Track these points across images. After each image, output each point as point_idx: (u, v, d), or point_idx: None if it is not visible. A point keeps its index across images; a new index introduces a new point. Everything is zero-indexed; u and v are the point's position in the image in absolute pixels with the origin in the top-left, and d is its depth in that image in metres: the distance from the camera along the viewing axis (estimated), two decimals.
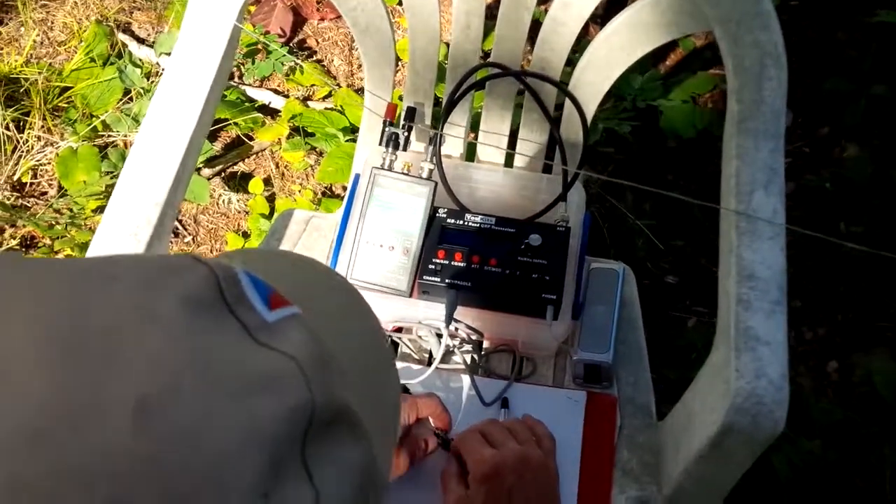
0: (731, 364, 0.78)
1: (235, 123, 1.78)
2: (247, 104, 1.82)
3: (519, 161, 1.11)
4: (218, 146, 1.84)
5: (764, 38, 0.88)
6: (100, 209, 1.64)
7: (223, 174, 1.81)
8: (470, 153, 1.14)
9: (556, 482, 0.87)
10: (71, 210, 1.67)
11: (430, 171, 0.99)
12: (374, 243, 0.98)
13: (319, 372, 0.32)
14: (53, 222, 1.67)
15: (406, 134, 0.99)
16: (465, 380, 0.98)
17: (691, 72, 1.85)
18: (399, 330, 1.03)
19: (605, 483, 0.91)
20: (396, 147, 1.00)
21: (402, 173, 0.98)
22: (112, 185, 1.00)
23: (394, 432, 0.45)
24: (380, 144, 1.00)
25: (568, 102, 1.03)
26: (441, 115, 1.03)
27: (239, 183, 1.80)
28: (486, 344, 1.03)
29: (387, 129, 0.99)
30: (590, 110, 1.03)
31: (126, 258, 0.33)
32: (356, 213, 0.99)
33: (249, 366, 0.30)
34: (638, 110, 1.76)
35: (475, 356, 1.01)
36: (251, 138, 1.82)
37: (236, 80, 1.92)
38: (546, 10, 0.99)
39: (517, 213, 1.02)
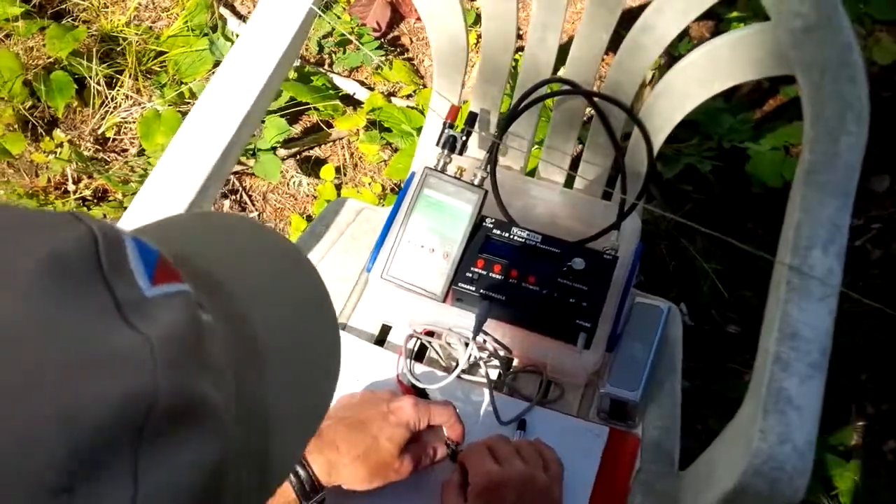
0: (756, 423, 0.73)
1: (316, 109, 1.80)
2: (331, 91, 1.83)
3: (579, 183, 1.08)
4: (297, 129, 1.86)
5: (848, 91, 0.83)
6: None
7: (298, 157, 1.83)
8: (532, 168, 1.11)
9: None
10: (145, 170, 1.71)
11: (483, 178, 0.97)
12: (415, 243, 0.96)
13: (178, 358, 0.28)
14: (127, 179, 1.71)
15: (464, 138, 0.98)
16: (487, 394, 0.96)
17: (787, 120, 1.78)
18: (430, 334, 1.01)
19: None
20: (453, 150, 0.98)
21: (454, 177, 0.96)
22: None
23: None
24: (436, 145, 0.98)
25: (636, 130, 1.00)
26: (502, 124, 1.01)
27: (312, 167, 1.82)
28: (515, 362, 1.00)
29: (446, 131, 0.98)
30: (658, 140, 0.99)
31: (4, 208, 0.30)
32: (403, 210, 0.98)
33: (98, 345, 0.27)
34: (723, 151, 1.70)
35: (502, 372, 0.99)
36: (330, 125, 1.84)
37: (326, 67, 1.94)
38: (624, 33, 0.97)
39: (568, 234, 1.00)
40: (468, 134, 0.98)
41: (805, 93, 0.85)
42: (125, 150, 1.81)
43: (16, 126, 1.76)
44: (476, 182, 0.97)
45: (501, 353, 0.98)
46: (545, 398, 0.98)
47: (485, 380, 0.97)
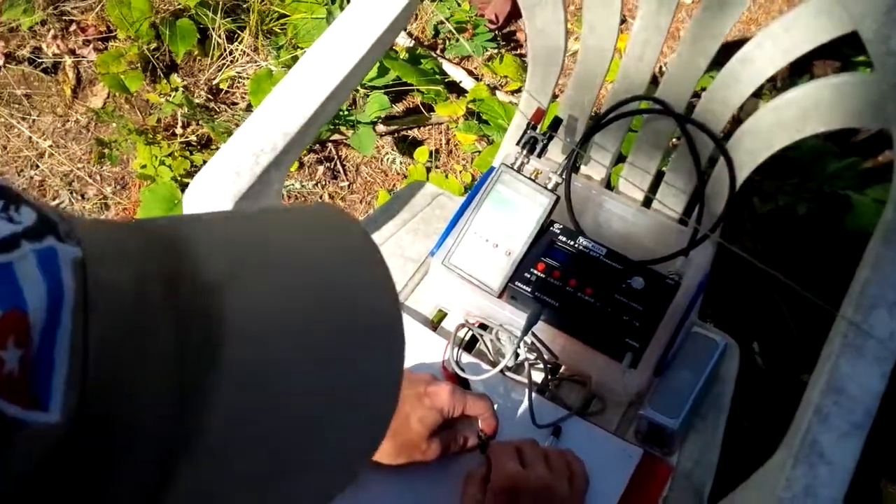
0: (784, 471, 0.72)
1: (420, 91, 1.83)
2: (437, 77, 1.86)
3: (656, 204, 1.08)
4: (400, 108, 1.89)
5: None
6: None
7: (396, 135, 1.87)
8: (613, 182, 1.11)
9: None
10: None
11: (557, 184, 0.98)
12: (480, 235, 0.98)
13: None
14: (231, 131, 1.78)
15: (545, 141, 0.98)
16: (524, 394, 0.97)
17: None
18: (483, 327, 1.02)
19: None
20: (532, 151, 0.99)
21: (529, 178, 0.97)
22: None
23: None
24: (517, 144, 0.99)
25: (721, 160, 0.98)
26: (584, 133, 1.01)
27: (407, 147, 1.85)
28: (561, 370, 1.01)
29: (528, 131, 0.99)
30: (742, 174, 0.98)
31: None
32: (475, 202, 0.99)
33: None
34: (824, 195, 1.65)
35: (547, 377, 0.99)
36: (432, 109, 1.86)
37: (437, 52, 1.96)
38: (722, 62, 0.95)
39: (636, 253, 0.99)
40: (550, 138, 0.99)
41: None
42: (235, 104, 1.88)
43: (137, 65, 1.85)
44: (549, 186, 0.97)
45: (547, 357, 0.99)
46: (585, 410, 0.98)
47: (527, 381, 0.98)
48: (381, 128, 1.85)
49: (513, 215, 0.97)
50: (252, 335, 0.32)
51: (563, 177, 0.99)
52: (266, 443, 0.32)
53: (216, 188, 0.85)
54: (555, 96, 1.12)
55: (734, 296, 1.56)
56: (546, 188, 0.97)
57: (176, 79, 1.85)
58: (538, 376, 0.99)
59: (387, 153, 1.84)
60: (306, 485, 0.33)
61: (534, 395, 0.97)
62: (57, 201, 1.77)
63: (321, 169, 1.83)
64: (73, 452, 0.28)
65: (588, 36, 0.99)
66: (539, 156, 1.00)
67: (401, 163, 1.83)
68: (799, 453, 0.72)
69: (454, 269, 0.98)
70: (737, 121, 0.99)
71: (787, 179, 1.68)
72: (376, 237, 1.10)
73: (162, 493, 0.30)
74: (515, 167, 0.99)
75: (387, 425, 0.35)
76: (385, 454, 0.86)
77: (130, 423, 0.29)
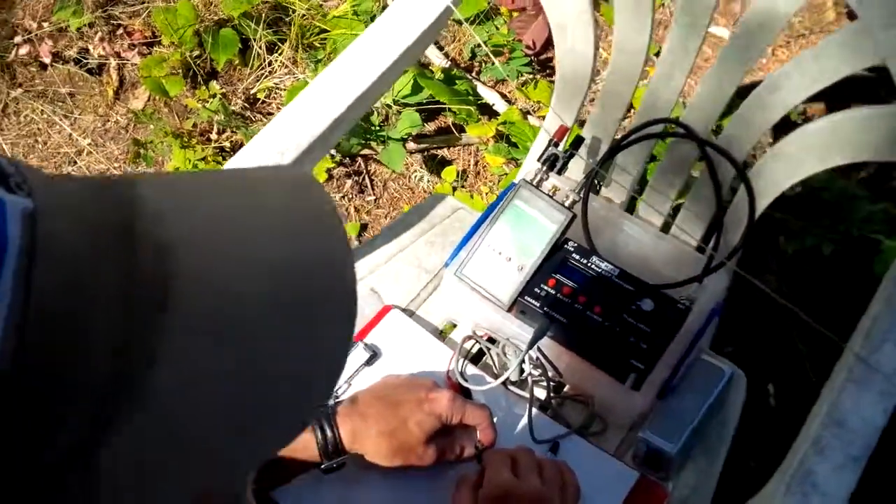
0: (775, 499, 0.71)
1: (452, 111, 1.84)
2: (471, 98, 1.87)
3: (676, 230, 1.07)
4: (431, 128, 1.91)
5: None
6: None
7: (425, 153, 1.88)
8: (632, 205, 1.11)
9: None
10: None
11: (574, 202, 0.98)
12: (494, 249, 0.98)
13: None
14: None
15: (565, 159, 0.99)
16: (519, 407, 0.96)
17: None
18: (492, 342, 1.02)
19: None
20: (551, 168, 0.99)
21: (547, 194, 0.98)
22: None
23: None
24: (537, 160, 1.00)
25: (742, 188, 0.98)
26: (605, 153, 1.02)
27: (436, 166, 1.86)
28: (566, 389, 1.00)
29: (550, 148, 0.99)
30: (762, 202, 0.97)
31: None
32: (491, 216, 1.00)
33: None
34: (852, 238, 1.63)
35: (550, 394, 0.99)
36: (462, 130, 1.88)
37: (473, 74, 1.98)
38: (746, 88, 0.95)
39: (650, 277, 0.99)
40: (570, 156, 0.99)
41: None
42: (270, 114, 1.91)
43: (179, 70, 1.89)
44: (567, 204, 0.97)
45: (552, 374, 0.98)
46: (586, 430, 0.97)
47: (528, 397, 0.97)
48: (411, 145, 1.87)
49: (528, 230, 0.97)
50: (202, 293, 0.32)
51: (581, 195, 0.99)
52: (214, 396, 0.32)
53: None
54: (581, 122, 1.13)
55: (750, 329, 1.54)
56: (563, 205, 0.97)
57: (215, 86, 1.89)
58: (541, 393, 0.99)
59: (415, 170, 1.86)
60: (251, 443, 0.33)
61: (535, 411, 0.97)
62: None
63: (349, 182, 1.85)
64: (8, 401, 0.28)
65: (616, 57, 1.00)
66: (559, 173, 1.00)
67: (428, 181, 1.84)
68: (792, 482, 0.71)
69: (466, 280, 0.98)
70: (760, 149, 0.98)
71: (815, 220, 1.66)
72: (394, 246, 1.11)
73: (97, 451, 0.30)
74: (534, 183, 0.99)
75: (337, 375, 0.35)
76: (381, 455, 0.86)
77: (70, 375, 0.29)
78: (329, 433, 0.84)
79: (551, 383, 0.99)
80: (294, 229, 0.36)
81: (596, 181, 1.12)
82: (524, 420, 0.96)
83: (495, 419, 0.95)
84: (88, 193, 0.32)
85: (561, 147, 1.00)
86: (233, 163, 0.91)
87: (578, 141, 1.01)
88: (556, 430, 0.96)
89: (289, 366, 0.34)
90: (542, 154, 1.00)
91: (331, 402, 0.87)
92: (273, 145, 0.89)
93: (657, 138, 1.02)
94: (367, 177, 1.86)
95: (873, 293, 1.60)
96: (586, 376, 0.95)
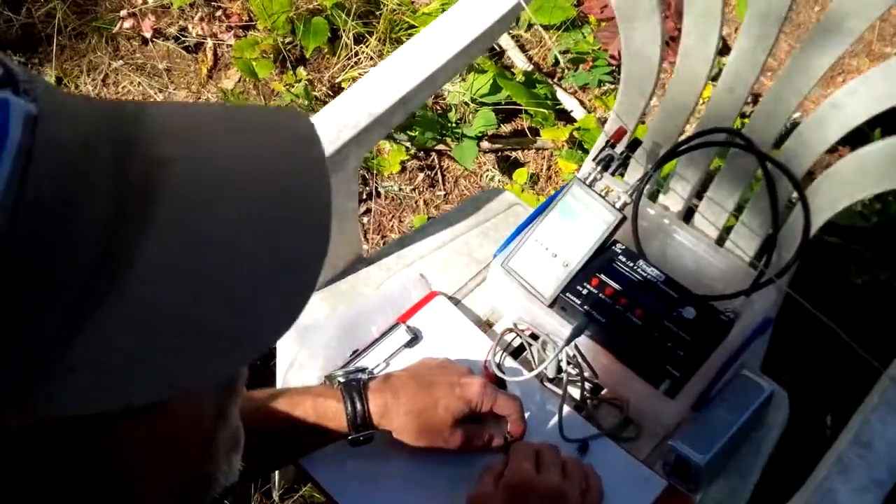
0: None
1: (529, 114, 1.85)
2: (549, 102, 1.88)
3: (730, 244, 1.06)
4: (507, 129, 1.92)
5: None
6: None
7: (499, 154, 1.90)
8: (689, 216, 1.10)
9: None
10: None
11: (625, 204, 0.98)
12: (542, 243, 0.99)
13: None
14: None
15: (620, 160, 0.99)
16: (553, 404, 0.97)
17: None
18: (534, 337, 1.03)
19: None
20: (606, 168, 1.00)
21: (599, 194, 0.98)
22: None
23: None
24: (593, 160, 1.00)
25: (799, 205, 0.96)
26: (660, 158, 1.01)
27: (508, 167, 1.87)
28: (603, 392, 1.00)
29: (606, 149, 1.00)
30: (817, 221, 0.96)
31: None
32: (543, 212, 1.00)
33: None
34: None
35: (584, 393, 0.99)
36: (538, 134, 1.89)
37: (555, 80, 1.99)
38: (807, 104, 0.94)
39: (698, 288, 0.97)
40: (626, 158, 0.99)
41: None
42: None
43: (270, 55, 1.96)
44: (618, 205, 0.97)
45: (588, 374, 0.98)
46: (619, 434, 0.97)
47: (562, 393, 0.98)
48: (485, 144, 1.89)
49: (576, 228, 0.98)
50: (190, 199, 0.35)
51: (633, 198, 0.99)
52: (190, 294, 0.34)
53: None
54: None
55: (810, 358, 1.50)
56: (614, 207, 0.97)
57: (302, 72, 1.94)
58: (577, 393, 0.99)
59: (487, 170, 1.87)
60: (223, 345, 0.35)
61: (568, 409, 0.97)
62: None
63: (421, 175, 1.88)
64: None
65: (682, 62, 1.00)
66: (613, 174, 1.00)
67: (499, 181, 1.85)
68: (812, 499, 0.70)
69: (511, 273, 0.99)
70: (822, 167, 0.97)
71: (889, 254, 1.61)
72: (447, 234, 1.13)
73: (66, 346, 0.32)
74: (588, 182, 1.00)
75: (312, 285, 0.37)
76: (408, 433, 0.88)
77: (58, 260, 0.31)
78: (359, 406, 0.86)
79: (587, 384, 1.00)
80: (280, 152, 0.39)
81: (656, 188, 1.12)
82: (555, 417, 0.96)
83: (527, 413, 0.96)
84: (97, 109, 0.35)
85: (618, 149, 1.00)
86: None
87: (635, 144, 1.01)
88: (587, 431, 0.96)
89: (265, 270, 0.36)
90: (598, 154, 1.00)
91: (364, 376, 0.89)
92: (333, 121, 0.92)
93: (714, 147, 1.01)
94: (439, 172, 1.88)
95: None
96: (622, 379, 0.95)
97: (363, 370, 0.91)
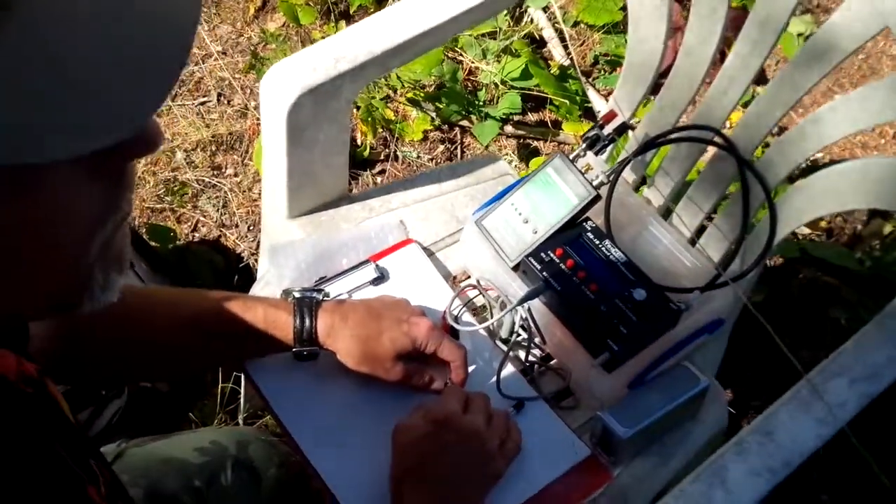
0: (684, 484, 0.73)
1: (555, 105, 1.88)
2: (578, 98, 1.91)
3: (700, 244, 1.09)
4: (533, 118, 1.96)
5: None
6: None
7: (521, 140, 1.93)
8: (669, 213, 1.13)
9: (490, 478, 0.87)
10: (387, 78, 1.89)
11: (602, 184, 1.01)
12: (516, 208, 1.02)
13: None
14: (372, 88, 1.90)
15: (605, 142, 1.02)
16: (507, 366, 1.00)
17: None
18: (496, 298, 1.06)
19: None
20: (591, 147, 1.03)
21: (578, 169, 1.01)
22: None
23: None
24: (581, 138, 1.04)
25: (767, 214, 0.99)
26: (641, 146, 1.04)
27: (527, 155, 1.91)
28: (552, 363, 1.03)
29: (595, 129, 1.03)
30: (783, 230, 0.98)
31: None
32: (524, 180, 1.04)
33: None
34: (878, 279, 1.58)
35: (534, 361, 1.02)
36: (561, 128, 1.92)
37: (589, 79, 2.02)
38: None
39: (659, 279, 1.00)
40: (611, 140, 1.03)
41: None
42: None
43: (316, 4, 2.01)
44: (595, 183, 1.01)
45: (538, 340, 1.02)
46: (556, 401, 1.00)
47: (511, 354, 1.01)
48: (509, 129, 1.92)
49: (551, 199, 1.01)
50: None
51: (611, 179, 1.02)
52: (85, 31, 0.37)
53: (291, 75, 0.94)
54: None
55: (761, 378, 1.52)
56: (591, 184, 1.01)
57: (343, 25, 1.99)
58: (523, 355, 1.02)
59: (506, 154, 1.91)
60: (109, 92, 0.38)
61: (513, 371, 1.01)
62: (205, 99, 1.94)
63: (441, 148, 1.92)
64: None
65: (682, 59, 1.03)
66: (596, 153, 1.03)
67: (516, 166, 1.89)
68: (703, 472, 0.73)
69: (483, 230, 1.03)
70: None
71: (873, 295, 1.61)
72: (434, 189, 1.17)
73: None
74: (571, 157, 1.03)
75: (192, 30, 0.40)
76: (350, 357, 0.92)
77: None
78: (308, 321, 0.90)
79: (537, 351, 1.03)
80: None
81: (641, 181, 1.15)
82: (496, 372, 0.99)
83: (473, 367, 1.00)
84: None
85: (606, 130, 1.03)
86: (292, 57, 0.98)
87: (623, 128, 1.04)
88: (526, 392, 1.00)
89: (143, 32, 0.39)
90: (586, 133, 1.03)
91: (319, 297, 0.93)
92: (331, 52, 0.96)
93: (696, 144, 1.03)
94: (459, 147, 1.92)
95: None
96: (568, 350, 0.98)
97: (320, 292, 0.95)
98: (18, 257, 0.43)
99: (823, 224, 1.83)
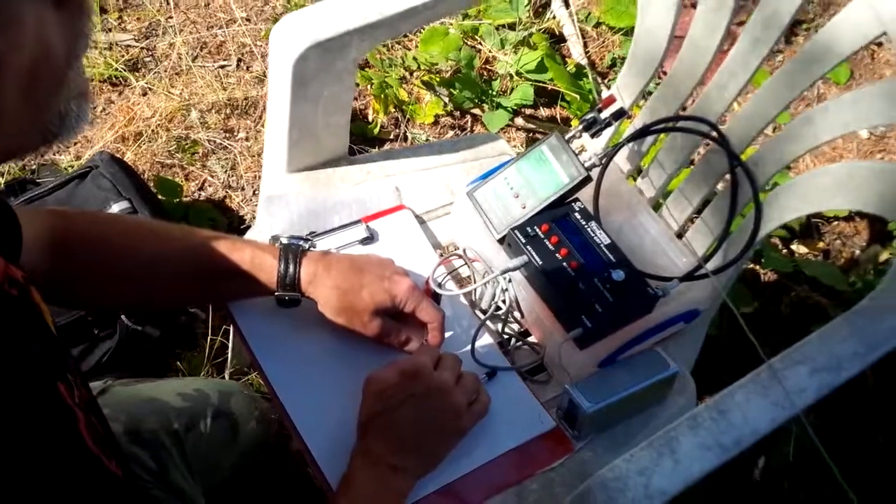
0: (634, 451, 0.75)
1: (566, 101, 1.90)
2: (591, 97, 1.93)
3: (687, 238, 1.11)
4: (545, 114, 1.98)
5: None
6: None
7: (531, 134, 1.95)
8: (659, 206, 1.15)
9: (453, 434, 0.89)
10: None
11: (593, 165, 1.03)
12: (509, 183, 1.04)
13: None
14: (384, 64, 1.93)
15: (601, 126, 1.04)
16: (482, 336, 1.02)
17: None
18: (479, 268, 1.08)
19: (491, 487, 0.91)
20: (587, 130, 1.05)
21: (572, 150, 1.03)
22: None
23: None
24: (578, 121, 1.06)
25: (752, 211, 1.00)
26: (636, 132, 1.06)
27: None
28: (530, 338, 1.05)
29: (592, 112, 1.05)
30: (768, 227, 1.00)
31: None
32: (519, 156, 1.06)
33: None
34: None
35: (512, 334, 1.04)
36: (570, 123, 1.94)
37: (605, 80, 2.03)
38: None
39: (642, 266, 1.02)
40: (608, 124, 1.05)
41: None
42: (408, 49, 2.03)
43: None
44: (587, 164, 1.03)
45: (517, 314, 1.04)
46: (529, 374, 1.02)
47: (489, 325, 1.03)
48: (519, 122, 1.94)
49: (543, 176, 1.03)
50: None
51: (603, 161, 1.04)
52: None
53: (300, 28, 0.97)
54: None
55: None
56: (583, 165, 1.03)
57: None
58: (500, 327, 1.04)
59: (514, 145, 1.93)
60: None
61: (490, 342, 1.03)
62: (225, 62, 1.97)
63: (450, 133, 1.94)
64: None
65: (686, 50, 1.04)
66: (593, 135, 1.05)
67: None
68: (655, 441, 0.75)
69: (474, 201, 1.05)
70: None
71: None
72: (434, 160, 1.19)
73: None
74: (567, 138, 1.05)
75: None
76: (329, 307, 0.94)
77: None
78: (291, 268, 0.92)
79: (515, 323, 1.05)
80: None
81: (636, 170, 1.17)
82: (471, 339, 1.01)
83: (451, 333, 1.02)
84: None
85: (604, 114, 1.05)
86: (302, 10, 1.00)
87: (620, 113, 1.06)
88: (499, 362, 1.02)
89: None
90: (583, 115, 1.05)
91: (306, 245, 0.96)
92: (342, 8, 0.98)
93: (691, 136, 1.05)
94: (468, 134, 1.95)
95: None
96: (542, 321, 1.00)
97: (307, 241, 0.97)
98: (9, 94, 0.48)
99: (822, 245, 1.84)
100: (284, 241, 0.95)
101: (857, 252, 1.84)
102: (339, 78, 1.03)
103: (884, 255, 1.79)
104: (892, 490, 1.48)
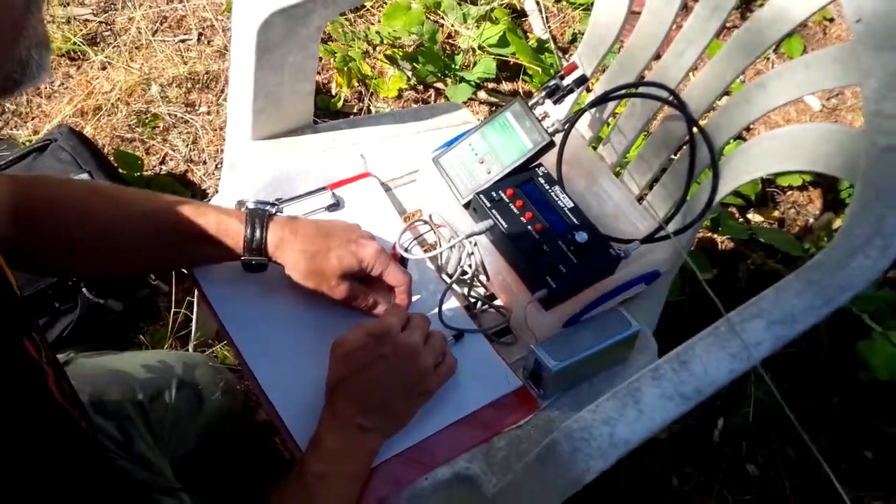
0: (599, 402, 0.77)
1: (528, 75, 1.92)
2: (552, 71, 1.95)
3: (647, 202, 1.13)
4: (508, 88, 1.99)
5: (891, 221, 0.83)
6: None
7: (493, 108, 1.97)
8: (620, 173, 1.17)
9: (421, 394, 0.91)
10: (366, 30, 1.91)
11: (556, 131, 1.05)
12: (473, 149, 1.06)
13: None
14: (349, 39, 1.92)
15: (563, 93, 1.06)
16: (449, 300, 1.04)
17: None
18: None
19: (459, 446, 0.93)
20: (550, 96, 1.07)
21: (535, 116, 1.05)
22: None
23: None
24: (540, 88, 1.07)
25: (710, 174, 1.03)
26: (595, 99, 1.08)
27: None
28: (496, 302, 1.07)
29: (555, 79, 1.07)
30: (723, 190, 1.02)
31: None
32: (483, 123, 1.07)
33: None
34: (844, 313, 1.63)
35: (479, 298, 1.06)
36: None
37: (566, 55, 2.05)
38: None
39: (606, 230, 1.04)
40: (569, 91, 1.06)
41: (853, 206, 0.85)
42: (371, 23, 2.03)
43: None
44: (550, 130, 1.04)
45: (482, 278, 1.05)
46: (496, 336, 1.04)
47: (456, 288, 1.05)
48: (482, 95, 1.96)
49: (507, 142, 1.05)
50: None
51: (565, 127, 1.06)
52: None
53: None
54: None
55: None
56: (546, 131, 1.04)
57: None
58: (471, 294, 1.06)
59: (478, 117, 1.94)
60: None
61: (457, 305, 1.04)
62: (186, 37, 1.96)
63: (414, 107, 1.94)
64: None
65: (644, 19, 1.06)
66: (555, 102, 1.07)
67: None
68: (619, 391, 0.77)
69: (439, 167, 1.06)
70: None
71: None
72: (399, 129, 1.20)
73: None
74: (530, 104, 1.06)
75: None
76: (297, 271, 0.95)
77: None
78: (258, 232, 0.93)
79: (481, 287, 1.07)
80: None
81: (597, 137, 1.19)
82: (438, 303, 1.03)
83: (418, 297, 1.04)
84: None
85: (566, 81, 1.07)
86: None
87: (582, 80, 1.07)
88: (467, 324, 1.03)
89: None
90: (546, 82, 1.07)
91: (272, 210, 0.96)
92: None
93: (650, 102, 1.07)
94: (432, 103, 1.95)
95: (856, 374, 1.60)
96: (508, 284, 1.02)
97: (274, 206, 0.98)
98: None
99: (777, 213, 1.89)
100: (251, 205, 0.95)
101: (811, 220, 1.88)
102: (303, 45, 1.03)
103: (836, 223, 1.84)
104: (846, 447, 1.53)
